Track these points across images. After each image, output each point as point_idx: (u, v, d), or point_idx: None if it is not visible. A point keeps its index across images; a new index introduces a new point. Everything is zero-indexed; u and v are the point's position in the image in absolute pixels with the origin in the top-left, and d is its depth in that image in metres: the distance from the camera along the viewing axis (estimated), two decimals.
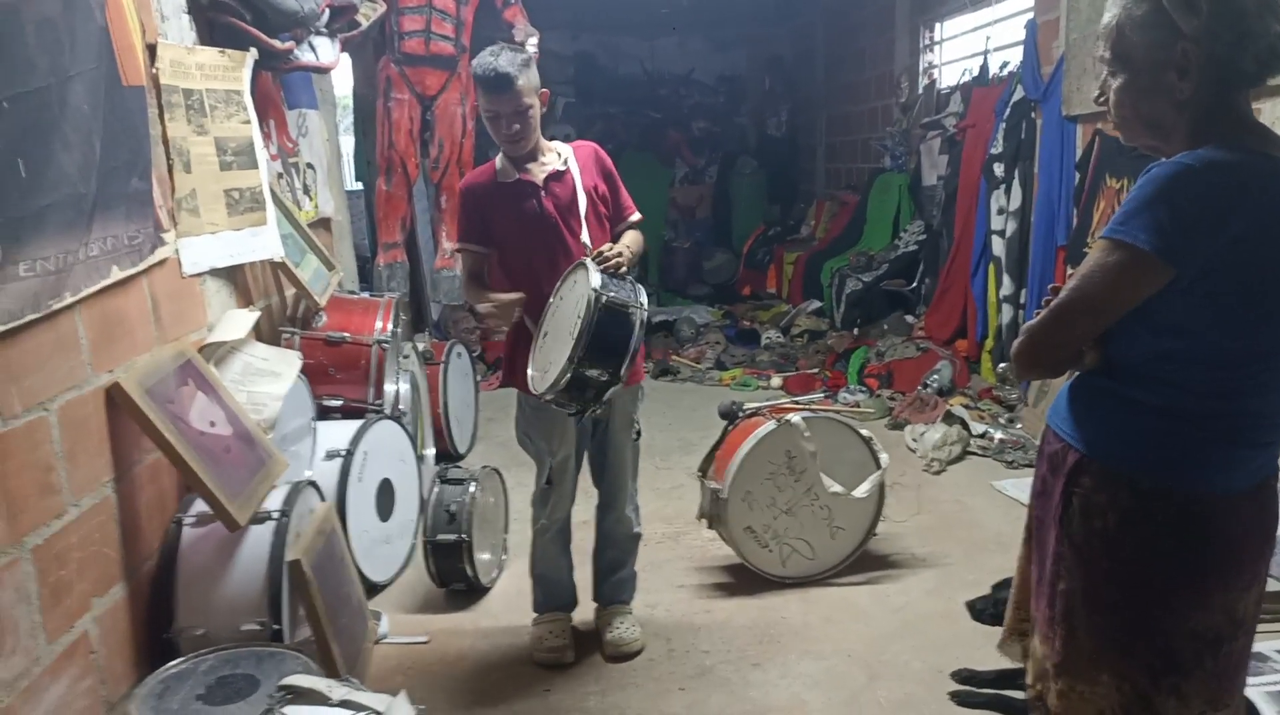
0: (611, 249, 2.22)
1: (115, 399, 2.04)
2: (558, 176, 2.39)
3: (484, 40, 4.63)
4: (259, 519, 2.29)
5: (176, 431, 2.13)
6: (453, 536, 2.80)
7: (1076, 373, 1.41)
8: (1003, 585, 2.28)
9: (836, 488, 2.81)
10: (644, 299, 2.15)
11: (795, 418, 2.81)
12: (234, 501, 2.20)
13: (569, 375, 2.05)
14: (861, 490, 2.84)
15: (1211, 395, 1.27)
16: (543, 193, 2.37)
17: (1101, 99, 1.39)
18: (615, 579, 2.71)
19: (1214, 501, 1.29)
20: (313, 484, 2.58)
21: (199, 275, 2.58)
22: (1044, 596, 1.45)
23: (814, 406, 3.01)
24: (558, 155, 2.42)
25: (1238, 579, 1.31)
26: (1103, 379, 1.35)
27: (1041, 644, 1.46)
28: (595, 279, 2.08)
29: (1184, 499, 1.29)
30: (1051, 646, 1.42)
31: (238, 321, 2.66)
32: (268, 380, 2.61)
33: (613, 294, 2.07)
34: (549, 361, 2.19)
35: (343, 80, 5.33)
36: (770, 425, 2.81)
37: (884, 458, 2.89)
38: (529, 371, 2.27)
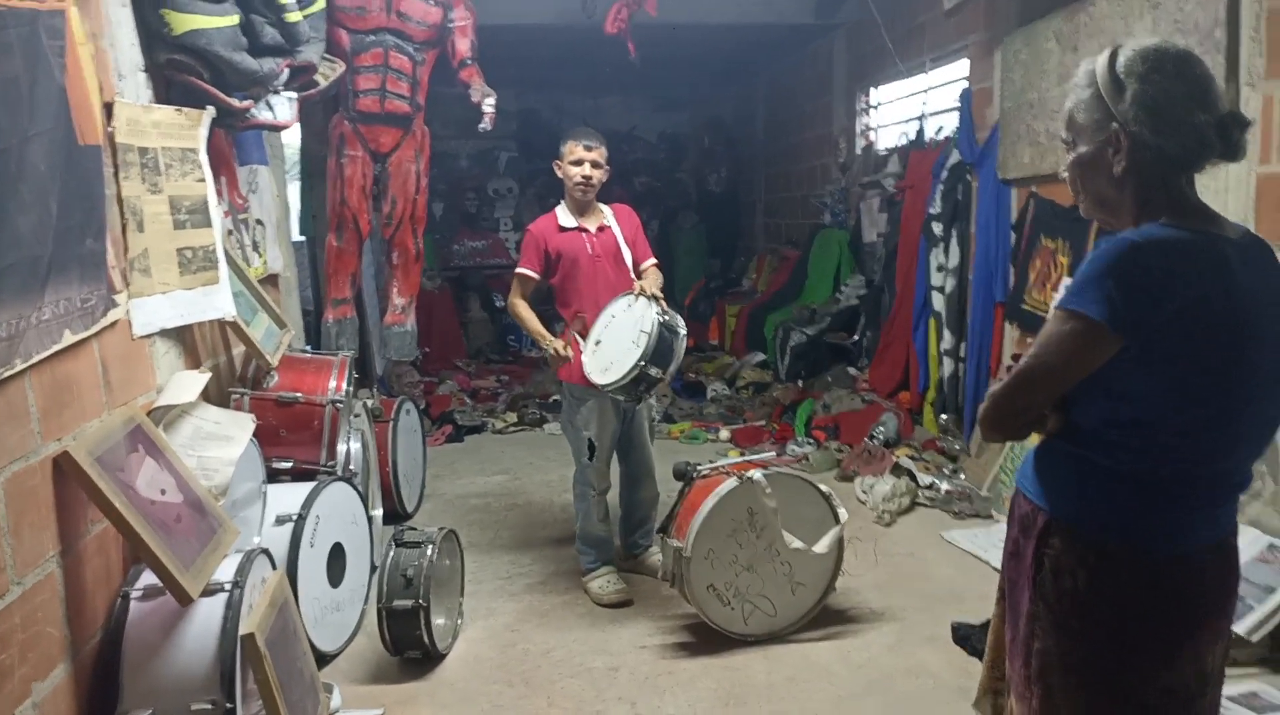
0: (655, 288, 3.07)
1: (64, 469, 1.96)
2: (603, 228, 3.27)
3: (440, 99, 4.66)
4: (210, 591, 2.20)
5: (128, 502, 2.04)
6: (409, 602, 2.73)
7: (1042, 437, 1.46)
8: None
9: (797, 544, 2.83)
10: (681, 321, 3.05)
11: (756, 474, 2.83)
12: (186, 574, 2.11)
13: (635, 372, 2.87)
14: (822, 545, 2.87)
15: (1171, 460, 1.33)
16: (595, 239, 3.24)
17: (1063, 173, 1.49)
18: (644, 531, 3.49)
19: (1179, 560, 1.34)
20: (265, 552, 2.50)
21: (149, 337, 2.51)
22: (1019, 656, 1.48)
23: (770, 462, 3.03)
24: (603, 213, 3.32)
25: (1205, 635, 1.36)
26: (1067, 444, 1.41)
27: (1018, 703, 1.49)
28: (655, 307, 2.96)
29: (1150, 559, 1.34)
30: (1028, 706, 1.45)
31: (187, 383, 2.58)
32: (219, 444, 2.53)
33: (666, 318, 2.96)
34: (609, 362, 2.98)
35: (290, 133, 5.28)
36: (732, 482, 2.83)
37: (843, 513, 2.93)
38: (586, 370, 3.03)
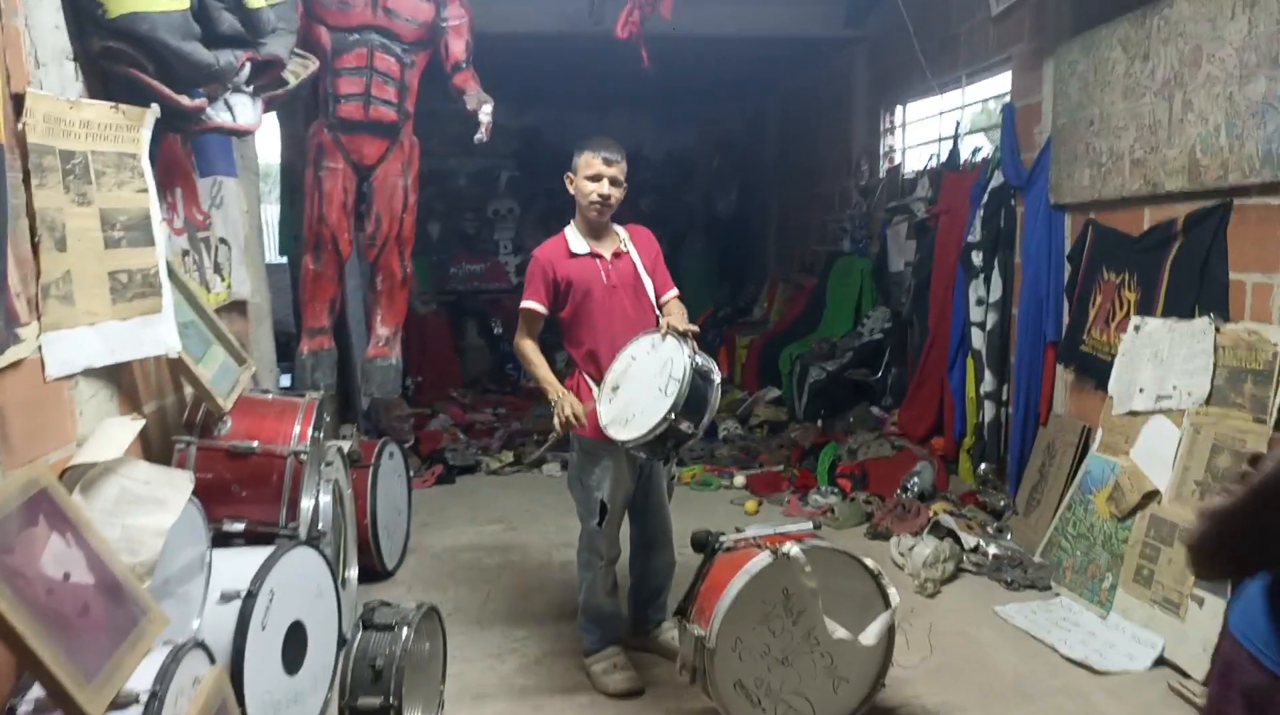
0: (684, 324, 2.58)
1: None
2: (619, 254, 2.81)
3: (431, 107, 4.25)
4: (120, 703, 1.74)
5: (11, 594, 1.60)
6: (377, 700, 2.28)
7: None
8: None
9: (842, 633, 2.38)
10: (716, 366, 2.57)
11: (794, 549, 2.39)
12: (86, 686, 1.66)
13: (664, 427, 2.41)
14: (870, 635, 2.41)
15: None
16: (611, 267, 2.78)
17: None
18: (657, 604, 3.05)
19: None
20: (200, 644, 2.04)
21: (69, 377, 2.07)
22: None
23: (806, 534, 2.58)
24: (619, 237, 2.85)
25: None
26: None
27: None
28: (686, 347, 2.50)
29: None
30: None
31: (113, 434, 2.15)
32: (148, 510, 2.09)
33: (700, 361, 2.51)
34: (630, 413, 2.51)
35: (269, 146, 4.89)
36: (764, 558, 2.38)
37: (894, 595, 2.48)
38: (602, 422, 2.56)
